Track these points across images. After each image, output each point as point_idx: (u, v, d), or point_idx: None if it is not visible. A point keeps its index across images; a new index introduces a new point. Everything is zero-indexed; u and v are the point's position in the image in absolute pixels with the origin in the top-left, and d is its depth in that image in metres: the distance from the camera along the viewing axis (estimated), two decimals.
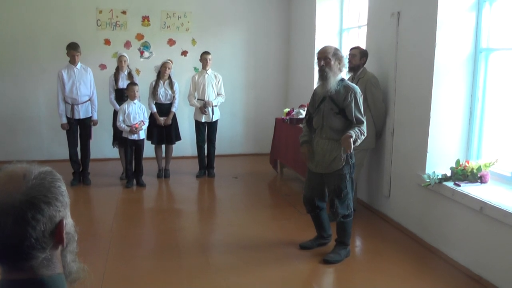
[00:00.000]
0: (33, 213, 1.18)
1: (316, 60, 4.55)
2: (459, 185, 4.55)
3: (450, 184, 4.65)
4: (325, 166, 4.52)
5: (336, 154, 4.47)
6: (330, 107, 4.44)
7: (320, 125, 4.53)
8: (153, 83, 7.59)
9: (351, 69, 5.87)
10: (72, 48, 7.04)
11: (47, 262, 1.25)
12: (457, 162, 4.78)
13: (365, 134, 4.44)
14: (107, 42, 8.85)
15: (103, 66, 8.74)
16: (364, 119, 4.45)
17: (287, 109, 7.94)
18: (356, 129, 4.36)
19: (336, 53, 4.45)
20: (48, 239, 1.23)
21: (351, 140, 4.26)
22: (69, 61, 7.11)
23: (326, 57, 4.40)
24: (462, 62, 4.87)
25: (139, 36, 9.01)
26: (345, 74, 5.36)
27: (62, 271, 1.31)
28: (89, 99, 7.23)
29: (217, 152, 8.18)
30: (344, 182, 4.50)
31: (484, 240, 4.18)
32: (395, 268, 4.57)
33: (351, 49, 5.98)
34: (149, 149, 7.72)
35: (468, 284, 4.22)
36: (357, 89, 4.49)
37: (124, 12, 8.87)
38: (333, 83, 4.42)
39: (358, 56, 5.85)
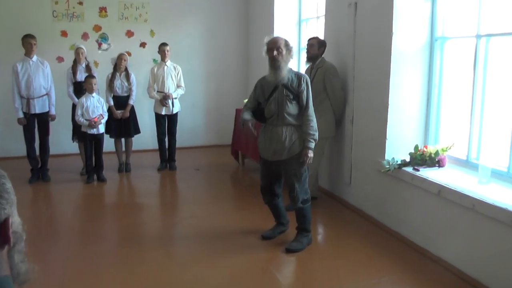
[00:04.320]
0: None
1: (265, 50, 4.56)
2: (418, 170, 4.65)
3: (409, 169, 4.75)
4: (285, 152, 4.55)
5: (295, 138, 4.54)
6: (286, 94, 4.51)
7: (275, 112, 4.55)
8: (110, 75, 7.48)
9: (310, 58, 5.92)
10: (29, 37, 6.86)
11: None
12: (416, 147, 4.89)
13: (315, 126, 4.57)
14: (64, 34, 8.67)
15: (60, 59, 8.56)
16: (312, 105, 4.59)
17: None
18: (310, 132, 4.52)
19: (287, 44, 4.55)
20: None
21: (310, 154, 4.51)
22: (24, 54, 6.91)
23: (279, 47, 4.47)
24: (418, 50, 4.96)
25: (97, 28, 8.85)
26: (303, 63, 5.39)
27: (9, 273, 1.26)
28: (46, 94, 7.05)
29: (178, 144, 8.13)
30: (304, 164, 4.56)
31: (442, 222, 4.30)
32: (357, 253, 4.64)
33: (309, 39, 6.01)
34: (109, 143, 7.61)
35: (428, 265, 4.33)
36: (307, 76, 4.66)
37: (80, 3, 8.69)
38: (286, 72, 4.51)
39: (316, 46, 5.89)
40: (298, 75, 4.59)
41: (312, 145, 4.53)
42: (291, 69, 4.61)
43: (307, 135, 4.52)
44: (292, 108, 4.51)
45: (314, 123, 4.56)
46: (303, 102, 4.52)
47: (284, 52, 4.47)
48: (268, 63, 4.56)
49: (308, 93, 4.55)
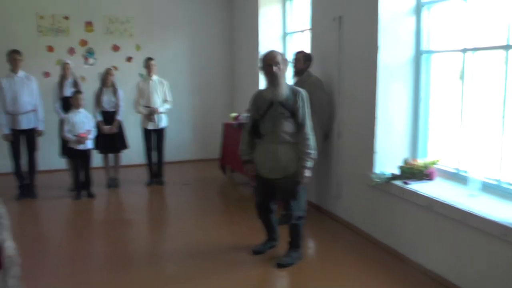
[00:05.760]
0: None
1: (261, 65, 4.51)
2: (407, 183, 4.66)
3: (398, 182, 4.76)
4: (281, 171, 4.52)
5: (292, 156, 4.49)
6: (281, 111, 4.44)
7: (270, 130, 4.49)
8: (97, 90, 7.46)
9: (296, 73, 5.95)
10: (14, 52, 6.84)
11: None
12: (405, 161, 4.91)
13: (314, 145, 4.51)
14: (50, 48, 8.66)
15: (47, 74, 8.54)
16: (310, 122, 4.53)
17: (234, 114, 7.95)
18: (307, 151, 4.45)
19: (284, 58, 4.50)
20: None
21: (307, 173, 4.47)
22: (10, 69, 6.87)
23: (277, 63, 4.40)
24: (405, 63, 5.01)
25: (83, 42, 8.85)
26: (289, 78, 5.40)
27: None
28: (33, 109, 7.00)
29: (165, 159, 8.10)
30: (300, 183, 4.52)
31: (432, 235, 4.32)
32: (348, 267, 4.64)
33: (295, 53, 6.04)
34: (97, 158, 7.57)
35: (419, 278, 4.33)
36: (304, 92, 4.55)
37: (66, 18, 8.70)
38: (285, 88, 4.44)
39: (302, 60, 5.91)
40: (294, 91, 4.50)
41: (309, 164, 4.47)
42: (288, 84, 4.57)
43: (304, 154, 4.46)
44: (287, 125, 4.45)
45: (311, 141, 4.48)
46: (299, 119, 4.45)
47: (282, 67, 4.43)
48: (266, 80, 4.51)
49: (304, 110, 4.47)
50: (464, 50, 4.40)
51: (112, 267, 4.77)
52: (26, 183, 7.18)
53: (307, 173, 4.47)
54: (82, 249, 5.29)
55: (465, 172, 4.49)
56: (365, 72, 5.18)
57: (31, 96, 6.98)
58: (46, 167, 8.31)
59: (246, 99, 8.45)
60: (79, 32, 8.80)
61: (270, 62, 4.41)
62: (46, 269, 4.71)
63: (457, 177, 4.59)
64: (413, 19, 4.95)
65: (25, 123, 6.94)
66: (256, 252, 4.94)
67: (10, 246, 1.28)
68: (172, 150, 8.99)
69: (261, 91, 4.69)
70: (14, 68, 6.86)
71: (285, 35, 8.18)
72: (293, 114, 4.45)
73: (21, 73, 6.92)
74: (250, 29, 8.61)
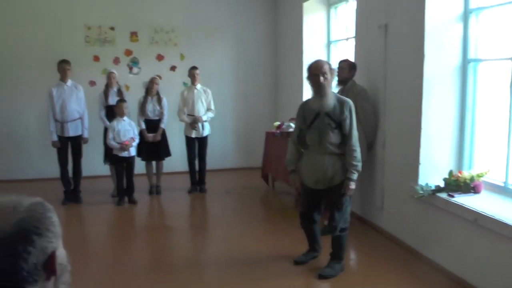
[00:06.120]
0: (25, 246, 1.16)
1: (307, 75, 4.48)
2: (452, 196, 4.54)
3: (443, 195, 4.64)
4: (327, 182, 4.48)
5: (338, 167, 4.45)
6: (327, 122, 4.40)
7: (316, 141, 4.46)
8: (142, 99, 7.57)
9: (340, 82, 5.88)
10: (64, 62, 7.05)
11: None
12: (450, 172, 4.78)
13: (359, 157, 4.47)
14: (96, 58, 8.84)
15: (92, 83, 8.71)
16: (356, 133, 4.48)
17: (278, 123, 7.94)
18: (353, 163, 4.41)
19: (331, 68, 4.46)
20: (41, 272, 1.20)
21: (352, 186, 4.42)
22: (59, 79, 7.09)
23: (325, 73, 4.35)
24: (451, 72, 4.89)
25: (128, 52, 9.01)
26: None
27: None
28: (80, 117, 7.18)
29: (208, 166, 8.13)
30: (345, 195, 4.48)
31: (479, 251, 4.17)
32: (390, 280, 4.54)
33: (340, 62, 5.99)
34: (140, 165, 7.68)
35: None
36: (351, 103, 4.50)
37: (112, 28, 8.87)
38: (331, 98, 4.41)
39: (347, 69, 5.86)
40: (341, 102, 4.44)
41: (355, 176, 4.43)
42: (335, 94, 4.53)
43: (350, 166, 4.41)
44: (334, 137, 4.41)
45: (357, 153, 4.43)
46: (346, 130, 4.40)
47: (329, 77, 4.38)
48: (313, 89, 4.47)
49: (351, 121, 4.42)
50: None
51: (152, 273, 4.82)
52: (71, 189, 7.34)
53: (352, 185, 4.43)
54: (124, 254, 5.36)
55: None
56: (410, 81, 5.08)
57: (79, 105, 7.17)
58: (90, 173, 8.47)
59: (290, 108, 8.52)
60: (124, 42, 8.97)
61: (317, 72, 4.36)
62: (89, 271, 4.79)
63: (505, 191, 4.41)
64: (460, 26, 4.83)
65: (72, 131, 7.13)
66: (298, 262, 4.90)
67: (62, 253, 1.30)
68: (215, 158, 9.02)
69: (308, 101, 4.66)
70: (63, 78, 7.08)
71: (329, 43, 8.13)
72: (340, 124, 4.40)
73: (69, 82, 7.13)
74: (294, 37, 8.59)
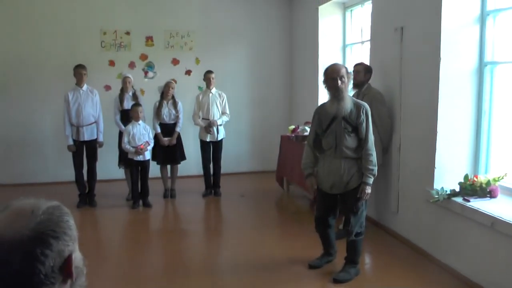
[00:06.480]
0: (42, 249, 1.17)
1: (324, 79, 4.47)
2: (468, 201, 4.49)
3: (459, 199, 4.59)
4: (343, 186, 4.48)
5: (354, 171, 4.45)
6: (344, 126, 4.39)
7: (333, 145, 4.45)
8: (157, 103, 7.60)
9: (356, 85, 5.84)
10: (80, 67, 7.11)
11: None
12: (466, 177, 4.73)
13: (375, 160, 4.46)
14: (112, 63, 8.90)
15: (108, 87, 8.77)
16: (372, 137, 4.47)
17: (292, 126, 7.93)
18: (369, 167, 4.41)
19: (347, 71, 4.45)
20: (57, 274, 1.21)
21: (368, 190, 4.41)
22: (75, 83, 7.15)
23: (342, 77, 4.35)
24: (467, 75, 4.84)
25: (143, 57, 9.05)
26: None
27: None
28: (95, 121, 7.23)
29: (222, 170, 8.14)
30: (361, 199, 4.46)
31: (496, 257, 4.12)
32: (405, 285, 4.50)
33: (355, 65, 5.96)
34: (154, 169, 7.70)
35: None
36: (367, 106, 4.50)
37: (128, 33, 8.92)
38: (349, 102, 4.39)
39: (363, 73, 5.82)
40: (358, 105, 4.44)
41: (371, 180, 4.42)
42: (351, 98, 4.51)
43: (366, 170, 4.41)
44: (350, 141, 4.40)
45: (373, 157, 4.43)
46: (362, 134, 4.40)
47: (346, 80, 4.37)
48: (330, 93, 4.45)
49: (367, 125, 4.41)
50: None
51: (167, 276, 4.84)
52: (86, 192, 7.39)
53: (368, 189, 4.41)
54: (138, 258, 5.38)
55: None
56: (426, 84, 5.04)
57: (94, 109, 7.23)
58: (105, 177, 8.51)
59: (305, 111, 8.52)
60: (139, 46, 9.02)
61: (335, 76, 4.35)
62: (104, 273, 4.81)
63: None
64: (477, 28, 4.78)
65: (87, 135, 7.18)
66: (313, 266, 4.89)
67: (78, 256, 1.32)
68: (230, 161, 9.04)
69: (324, 104, 4.65)
70: (79, 82, 7.13)
71: (344, 46, 8.11)
72: (356, 129, 4.40)
73: (85, 87, 7.18)
74: (309, 40, 8.58)
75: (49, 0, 8.54)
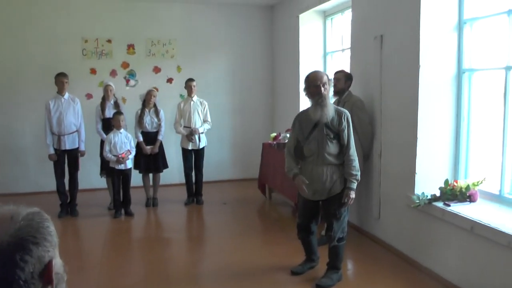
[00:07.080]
0: (22, 255, 1.16)
1: (305, 86, 4.50)
2: (449, 205, 4.55)
3: (440, 204, 4.65)
4: (326, 193, 4.50)
5: (336, 177, 4.47)
6: (326, 133, 4.42)
7: (315, 152, 4.47)
8: (139, 111, 7.57)
9: (336, 93, 5.88)
10: (61, 75, 7.05)
11: None
12: (446, 182, 4.79)
13: (357, 166, 4.49)
14: (93, 71, 8.85)
15: (89, 96, 8.72)
16: (353, 143, 4.51)
17: (274, 134, 7.95)
18: (352, 172, 4.43)
19: (329, 78, 4.49)
20: (37, 281, 1.20)
21: (352, 195, 4.43)
22: (57, 91, 7.09)
23: (325, 83, 4.39)
24: (446, 82, 4.92)
25: (125, 65, 9.02)
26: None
27: None
28: (76, 130, 7.18)
29: (204, 178, 8.12)
30: (345, 205, 4.48)
31: (476, 260, 4.17)
32: None
33: (336, 73, 6.00)
34: (136, 178, 7.67)
35: None
36: (348, 113, 4.54)
37: (109, 41, 8.89)
38: (331, 109, 4.42)
39: (343, 80, 5.87)
40: (339, 112, 4.47)
41: (355, 185, 4.45)
42: (332, 105, 4.54)
43: (350, 176, 4.44)
44: (332, 147, 4.42)
45: (356, 162, 4.46)
46: (344, 141, 4.43)
47: (328, 88, 4.41)
48: (312, 100, 4.46)
49: (349, 132, 4.45)
50: (508, 68, 4.29)
51: (150, 285, 4.80)
52: (67, 202, 7.32)
53: (352, 194, 4.44)
54: (121, 267, 5.34)
55: (510, 194, 4.37)
56: (406, 91, 5.10)
57: (76, 117, 7.17)
58: (87, 186, 8.45)
59: (287, 119, 8.54)
60: (121, 54, 8.99)
61: (318, 83, 4.38)
62: (85, 284, 4.76)
63: (501, 199, 4.44)
64: (455, 36, 4.86)
65: (69, 144, 7.11)
66: (295, 272, 4.90)
67: (58, 262, 1.31)
68: (211, 169, 9.03)
69: (304, 111, 4.66)
70: (60, 91, 7.07)
71: (325, 54, 8.17)
72: (337, 135, 4.43)
73: (66, 95, 7.12)
74: (290, 48, 8.63)
75: (30, 7, 8.45)
